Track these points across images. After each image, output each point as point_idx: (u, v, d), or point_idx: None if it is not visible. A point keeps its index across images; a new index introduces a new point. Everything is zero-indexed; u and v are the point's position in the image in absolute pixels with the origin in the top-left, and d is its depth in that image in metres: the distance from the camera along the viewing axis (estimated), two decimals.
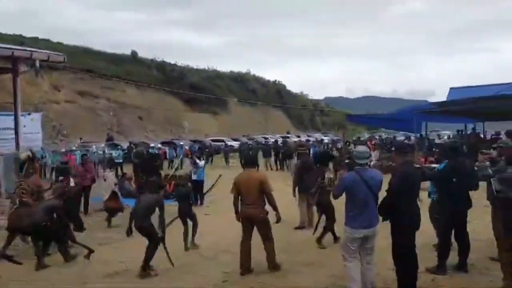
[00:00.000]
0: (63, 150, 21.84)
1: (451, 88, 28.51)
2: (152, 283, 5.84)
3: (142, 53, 60.31)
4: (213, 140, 39.73)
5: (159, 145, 29.07)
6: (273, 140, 37.36)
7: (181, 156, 24.12)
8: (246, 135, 49.63)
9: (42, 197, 7.50)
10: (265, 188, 6.03)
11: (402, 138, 25.55)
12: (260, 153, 23.85)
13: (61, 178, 7.88)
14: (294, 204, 9.24)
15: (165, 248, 6.38)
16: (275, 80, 79.77)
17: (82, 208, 11.24)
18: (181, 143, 29.79)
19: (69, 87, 45.76)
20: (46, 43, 43.58)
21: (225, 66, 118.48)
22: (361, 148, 5.33)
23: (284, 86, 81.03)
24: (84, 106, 45.42)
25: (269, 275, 5.90)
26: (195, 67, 64.76)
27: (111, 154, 24.95)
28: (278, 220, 6.20)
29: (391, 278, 5.34)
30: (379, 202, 4.95)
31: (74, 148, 24.16)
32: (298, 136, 48.53)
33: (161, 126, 51.29)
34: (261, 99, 68.22)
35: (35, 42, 41.69)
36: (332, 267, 6.18)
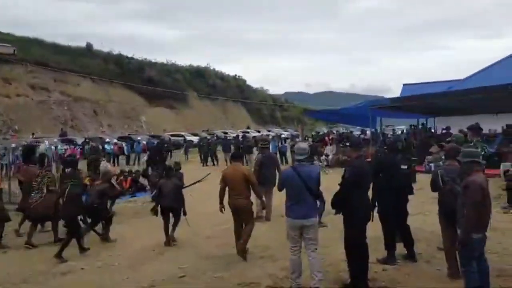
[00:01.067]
0: (13, 145, 20.94)
1: (404, 85, 29.62)
2: (112, 275, 5.73)
3: (98, 46, 58.68)
4: (172, 135, 39.26)
5: (115, 140, 28.33)
6: (233, 135, 37.41)
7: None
8: (206, 130, 49.31)
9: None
10: (250, 180, 6.65)
11: (359, 133, 26.19)
12: (219, 148, 24.06)
13: (68, 170, 8.00)
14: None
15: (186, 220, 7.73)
16: (236, 75, 79.78)
17: None
18: (139, 138, 29.25)
19: (20, 80, 43.88)
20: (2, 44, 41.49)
21: (184, 60, 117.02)
22: (301, 144, 5.56)
23: (244, 81, 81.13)
24: (36, 100, 43.69)
25: (225, 270, 5.93)
26: (153, 60, 63.68)
27: (65, 150, 24.27)
28: (263, 207, 7.67)
29: (343, 268, 5.53)
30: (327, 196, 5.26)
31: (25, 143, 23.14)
32: (258, 131, 48.74)
33: (117, 121, 50.12)
34: (221, 94, 67.96)
35: None
36: (285, 259, 6.27)
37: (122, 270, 6.15)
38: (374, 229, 5.63)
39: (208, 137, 31.26)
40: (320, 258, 5.25)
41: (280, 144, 22.87)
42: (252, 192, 6.73)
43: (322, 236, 5.66)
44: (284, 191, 5.30)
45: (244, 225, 6.72)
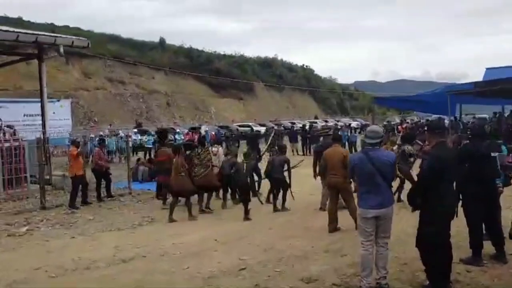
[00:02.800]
0: (92, 135, 22.08)
1: (487, 69, 27.24)
2: (167, 267, 5.60)
3: (170, 40, 60.50)
4: (240, 126, 39.46)
5: (186, 130, 28.98)
6: (300, 125, 36.84)
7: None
8: (274, 120, 49.09)
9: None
10: (347, 162, 6.77)
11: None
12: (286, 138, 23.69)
13: (188, 152, 9.48)
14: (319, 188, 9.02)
15: (291, 192, 9.05)
16: (303, 65, 78.64)
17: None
18: (206, 129, 29.74)
19: (98, 74, 46.45)
20: (76, 32, 44.07)
21: (252, 52, 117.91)
22: (374, 127, 5.07)
23: (312, 71, 79.83)
24: (113, 93, 45.99)
25: (286, 264, 5.58)
26: (222, 53, 64.50)
27: (141, 140, 25.19)
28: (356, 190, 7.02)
29: (419, 267, 4.96)
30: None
31: (102, 134, 24.31)
32: (326, 121, 47.73)
33: (188, 112, 51.46)
34: (289, 84, 67.37)
35: (66, 30, 42.09)
36: (354, 254, 5.81)
37: (183, 259, 5.99)
38: (457, 224, 4.97)
39: (275, 127, 30.95)
40: (388, 254, 4.76)
41: (349, 133, 22.05)
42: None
43: (394, 231, 5.12)
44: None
45: (346, 204, 7.25)
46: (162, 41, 59.33)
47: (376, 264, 4.63)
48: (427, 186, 4.52)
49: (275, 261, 5.70)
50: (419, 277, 4.85)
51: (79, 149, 10.88)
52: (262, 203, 9.56)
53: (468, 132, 5.86)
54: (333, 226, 7.15)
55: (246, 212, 8.47)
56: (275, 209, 8.97)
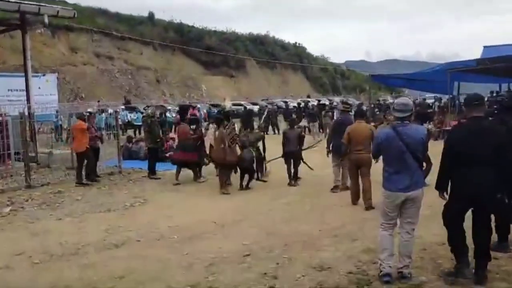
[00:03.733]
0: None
1: (484, 47, 26.79)
2: (163, 252, 5.12)
3: (159, 15, 58.92)
4: (232, 104, 38.73)
5: (177, 109, 28.24)
6: (293, 104, 36.26)
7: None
8: (266, 99, 48.44)
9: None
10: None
11: (432, 100, 24.14)
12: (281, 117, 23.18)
13: (193, 126, 10.22)
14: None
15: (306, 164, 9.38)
16: (295, 43, 77.51)
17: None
18: (198, 106, 29.05)
19: (86, 49, 45.10)
20: (62, 5, 42.56)
21: (244, 29, 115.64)
22: (402, 99, 4.48)
23: (304, 49, 78.78)
24: (101, 69, 44.78)
25: (293, 249, 5.13)
26: (213, 29, 63.12)
27: (127, 116, 24.53)
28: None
29: (442, 253, 4.58)
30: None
31: (91, 110, 23.58)
32: (319, 100, 47.12)
33: (178, 90, 50.51)
34: (281, 61, 66.44)
35: (51, 4, 40.60)
36: (365, 239, 5.39)
37: (180, 244, 5.52)
38: None
39: (269, 106, 30.42)
40: (413, 242, 4.29)
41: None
42: None
43: None
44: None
45: (362, 180, 7.12)
46: (151, 15, 57.64)
47: (399, 252, 4.19)
48: (447, 168, 4.16)
49: (281, 246, 5.25)
50: (441, 265, 4.44)
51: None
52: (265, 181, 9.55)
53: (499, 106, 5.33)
54: (356, 201, 7.23)
55: (249, 181, 8.99)
56: (290, 184, 9.06)
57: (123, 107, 30.28)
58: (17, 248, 5.44)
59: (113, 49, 48.14)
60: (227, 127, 9.21)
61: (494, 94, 22.53)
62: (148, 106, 31.29)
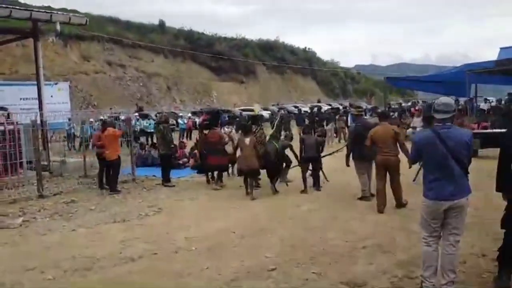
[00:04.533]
0: (91, 119, 21.21)
1: (501, 48, 26.27)
2: (182, 266, 4.83)
3: (170, 23, 59.15)
4: (243, 110, 38.54)
5: (189, 115, 28.13)
6: (305, 109, 35.91)
7: None
8: (276, 104, 48.17)
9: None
10: (399, 139, 7.12)
11: None
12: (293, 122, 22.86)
13: (206, 131, 10.37)
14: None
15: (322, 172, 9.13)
16: (305, 47, 77.21)
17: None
18: (181, 114, 28.91)
19: (97, 57, 45.31)
20: (74, 13, 42.86)
21: (253, 35, 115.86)
22: (444, 99, 4.09)
23: (314, 53, 78.44)
24: (112, 77, 44.92)
25: (321, 263, 4.80)
26: (223, 35, 63.15)
27: (141, 124, 24.44)
28: (410, 165, 6.42)
29: (484, 267, 4.22)
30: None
31: (102, 118, 23.51)
32: (330, 105, 46.76)
33: (189, 96, 50.50)
34: (291, 67, 66.17)
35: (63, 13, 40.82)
36: (398, 250, 5.06)
37: (199, 257, 5.21)
38: None
39: (282, 111, 30.11)
40: (458, 255, 3.94)
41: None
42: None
43: None
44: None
45: (391, 182, 7.07)
46: (161, 23, 57.94)
47: (442, 266, 3.84)
48: (504, 169, 3.92)
49: (307, 259, 4.92)
50: (487, 280, 4.09)
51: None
52: (287, 185, 9.44)
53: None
54: (383, 207, 7.01)
55: (275, 181, 9.05)
56: (304, 191, 8.76)
57: (136, 114, 30.22)
58: (29, 263, 5.18)
59: (124, 57, 48.30)
60: (256, 131, 9.37)
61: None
62: (159, 113, 31.27)
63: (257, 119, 11.04)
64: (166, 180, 10.38)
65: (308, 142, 8.93)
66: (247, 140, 8.90)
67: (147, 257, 5.31)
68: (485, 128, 16.06)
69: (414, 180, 8.20)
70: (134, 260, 5.22)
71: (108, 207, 8.33)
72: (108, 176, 10.44)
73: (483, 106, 23.95)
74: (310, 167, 9.12)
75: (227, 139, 10.34)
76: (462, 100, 21.83)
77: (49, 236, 6.43)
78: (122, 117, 24.63)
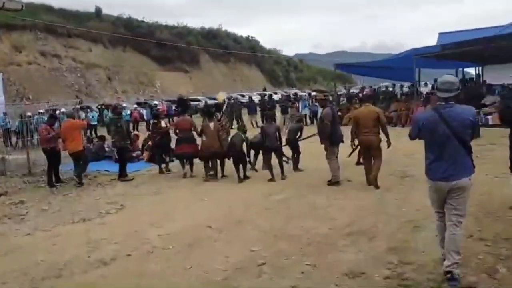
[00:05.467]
0: (29, 113, 19.73)
1: (440, 33, 27.39)
2: (162, 267, 4.45)
3: (106, 10, 56.50)
4: (190, 100, 37.71)
5: (135, 106, 27.06)
6: (253, 97, 35.74)
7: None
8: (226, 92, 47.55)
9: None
10: (382, 120, 7.35)
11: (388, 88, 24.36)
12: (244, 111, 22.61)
13: (154, 120, 10.77)
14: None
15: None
16: (248, 36, 76.93)
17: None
18: (155, 102, 27.99)
19: (30, 48, 42.45)
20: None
21: (195, 23, 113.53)
22: (446, 77, 3.92)
23: (257, 42, 78.33)
24: (48, 68, 42.34)
25: (310, 254, 4.60)
26: (164, 23, 61.40)
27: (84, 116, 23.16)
28: (389, 145, 7.42)
29: (476, 247, 4.20)
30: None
31: (42, 111, 21.98)
32: (275, 93, 46.89)
33: (132, 87, 48.73)
34: (235, 55, 65.71)
35: None
36: (384, 236, 4.96)
37: (180, 255, 4.84)
38: None
39: (231, 100, 29.74)
40: (461, 236, 3.87)
41: (310, 103, 21.29)
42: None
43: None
44: None
45: (373, 160, 7.35)
46: (98, 10, 55.18)
47: (446, 249, 3.77)
48: None
49: (296, 251, 4.70)
50: (484, 261, 4.05)
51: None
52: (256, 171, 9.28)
53: None
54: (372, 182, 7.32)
55: (245, 170, 8.82)
56: (272, 179, 8.51)
57: (78, 106, 28.62)
58: None
59: (59, 47, 45.65)
60: (222, 119, 9.47)
61: None
62: (103, 105, 29.84)
63: (221, 107, 10.83)
64: (122, 174, 9.78)
65: (269, 131, 8.72)
66: (212, 125, 8.95)
67: (120, 259, 4.86)
68: None
69: (349, 156, 8.28)
70: (106, 263, 4.74)
71: (62, 206, 7.67)
72: (58, 173, 9.78)
73: (423, 89, 24.83)
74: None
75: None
76: (406, 85, 22.61)
77: (2, 242, 5.76)
78: (63, 110, 23.30)
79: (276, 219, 5.97)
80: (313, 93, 22.57)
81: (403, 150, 9.55)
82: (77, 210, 7.33)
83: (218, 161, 9.24)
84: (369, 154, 7.43)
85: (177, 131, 9.85)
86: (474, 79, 23.08)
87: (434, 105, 4.08)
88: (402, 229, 5.17)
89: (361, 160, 8.07)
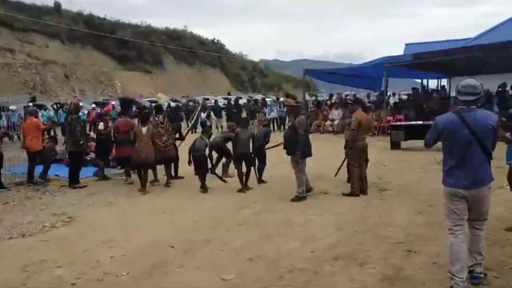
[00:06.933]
0: None
1: (406, 44, 27.77)
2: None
3: (66, 5, 54.22)
4: (150, 102, 36.50)
5: (94, 106, 25.68)
6: (214, 101, 34.96)
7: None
8: (186, 95, 46.50)
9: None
10: (373, 125, 7.45)
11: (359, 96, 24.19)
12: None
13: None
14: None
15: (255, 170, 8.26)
16: (214, 39, 76.09)
17: None
18: (113, 102, 26.69)
19: None
20: None
21: (159, 23, 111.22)
22: (468, 81, 3.61)
23: (223, 46, 77.62)
24: (0, 63, 39.91)
25: (296, 283, 3.91)
26: (126, 22, 59.63)
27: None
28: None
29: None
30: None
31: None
32: (240, 97, 46.28)
33: (90, 85, 46.81)
34: (199, 58, 64.68)
35: None
36: (375, 262, 4.33)
37: (137, 285, 4.02)
38: None
39: (201, 101, 28.87)
40: (484, 236, 3.74)
41: (278, 108, 20.75)
42: None
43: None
44: None
45: (365, 163, 7.32)
46: (57, 5, 52.82)
47: (468, 250, 3.61)
48: None
49: (276, 279, 3.99)
50: (505, 262, 3.83)
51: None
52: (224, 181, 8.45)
53: None
54: (357, 193, 7.07)
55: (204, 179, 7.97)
56: (241, 190, 7.80)
57: (30, 104, 26.93)
58: None
59: (14, 41, 43.31)
60: (165, 121, 8.74)
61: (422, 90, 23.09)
62: (58, 103, 28.20)
63: (162, 109, 10.07)
64: (74, 181, 8.77)
65: (242, 137, 7.99)
66: (144, 130, 8.30)
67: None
68: (400, 120, 16.45)
69: (335, 175, 8.05)
70: None
71: (0, 218, 6.64)
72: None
73: (391, 99, 24.84)
74: None
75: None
76: (373, 94, 22.46)
77: None
78: (13, 107, 21.68)
79: (250, 237, 5.23)
80: (281, 99, 22.01)
81: (374, 161, 8.87)
82: (17, 222, 6.35)
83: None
84: (362, 160, 7.31)
85: (116, 134, 9.24)
86: (438, 91, 23.28)
87: (453, 109, 3.77)
88: (393, 253, 4.57)
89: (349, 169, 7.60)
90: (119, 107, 13.91)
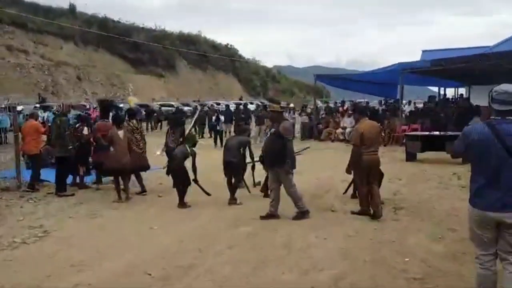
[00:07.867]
0: None
1: (423, 51, 26.83)
2: None
3: (81, 8, 54.39)
4: (162, 105, 36.09)
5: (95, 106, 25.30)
6: (225, 106, 34.34)
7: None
8: (197, 100, 46.07)
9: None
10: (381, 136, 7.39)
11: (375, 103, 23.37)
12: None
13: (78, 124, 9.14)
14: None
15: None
16: (227, 44, 75.73)
17: None
18: (121, 105, 26.29)
19: None
20: None
21: (174, 27, 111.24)
22: (505, 86, 3.06)
23: (236, 51, 77.24)
24: (12, 63, 39.94)
25: None
26: (141, 25, 59.56)
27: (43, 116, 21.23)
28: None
29: None
30: None
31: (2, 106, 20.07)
32: (251, 103, 45.70)
33: (102, 88, 46.59)
34: (213, 63, 64.31)
35: None
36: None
37: None
38: None
39: (206, 108, 28.23)
40: None
41: (287, 115, 19.97)
42: None
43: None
44: None
45: (373, 183, 6.19)
46: (72, 7, 53.03)
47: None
48: None
49: None
50: None
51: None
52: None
53: None
54: (368, 212, 6.15)
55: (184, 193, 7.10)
56: (230, 203, 7.11)
57: (37, 105, 26.66)
58: None
59: (28, 43, 43.41)
60: (138, 126, 8.44)
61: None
62: (59, 106, 27.85)
63: (134, 113, 9.50)
64: (60, 188, 8.12)
65: (229, 144, 7.43)
66: (121, 134, 7.71)
67: None
68: (416, 130, 15.57)
69: (344, 193, 7.45)
70: None
71: None
72: None
73: (407, 107, 23.97)
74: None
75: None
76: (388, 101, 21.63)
77: None
78: (19, 108, 21.32)
79: (242, 264, 4.47)
80: (291, 105, 21.28)
81: (388, 174, 7.94)
82: None
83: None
84: (368, 177, 6.21)
85: (96, 138, 8.67)
86: (457, 99, 22.33)
87: (485, 119, 3.24)
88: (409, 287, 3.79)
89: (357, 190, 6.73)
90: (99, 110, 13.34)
